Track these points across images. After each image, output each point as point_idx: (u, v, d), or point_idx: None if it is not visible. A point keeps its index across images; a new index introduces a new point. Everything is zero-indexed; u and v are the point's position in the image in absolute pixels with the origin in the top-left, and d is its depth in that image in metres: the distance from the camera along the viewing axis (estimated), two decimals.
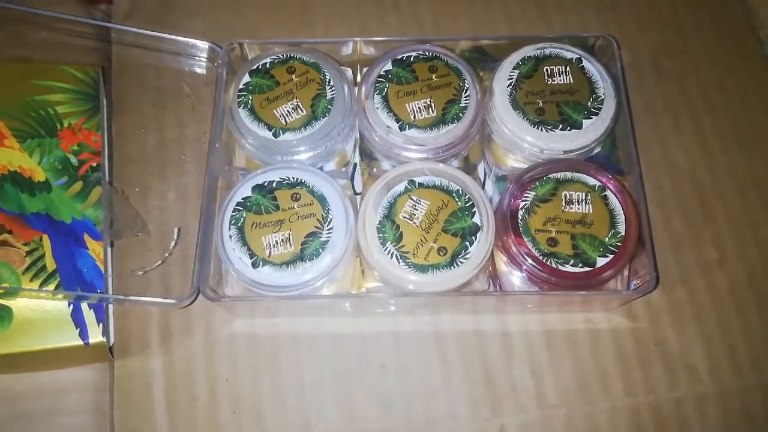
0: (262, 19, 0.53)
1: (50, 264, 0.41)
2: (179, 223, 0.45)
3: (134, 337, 0.43)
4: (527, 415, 0.41)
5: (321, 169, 0.44)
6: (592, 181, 0.40)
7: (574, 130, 0.41)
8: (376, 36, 0.49)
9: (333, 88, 0.43)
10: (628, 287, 0.41)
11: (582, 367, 0.42)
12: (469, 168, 0.46)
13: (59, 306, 0.40)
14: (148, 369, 0.42)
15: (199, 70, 0.50)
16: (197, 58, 0.50)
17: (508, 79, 0.43)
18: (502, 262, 0.41)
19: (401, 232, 0.39)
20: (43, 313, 0.40)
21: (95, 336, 0.40)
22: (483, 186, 0.46)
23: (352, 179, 0.47)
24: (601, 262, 0.38)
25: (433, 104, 0.42)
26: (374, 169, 0.46)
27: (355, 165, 0.47)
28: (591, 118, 0.42)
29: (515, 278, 0.41)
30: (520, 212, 0.40)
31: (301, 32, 0.53)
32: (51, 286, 0.40)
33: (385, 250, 0.39)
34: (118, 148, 0.48)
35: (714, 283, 0.44)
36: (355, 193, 0.47)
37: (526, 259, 0.39)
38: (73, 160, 0.44)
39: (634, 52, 0.51)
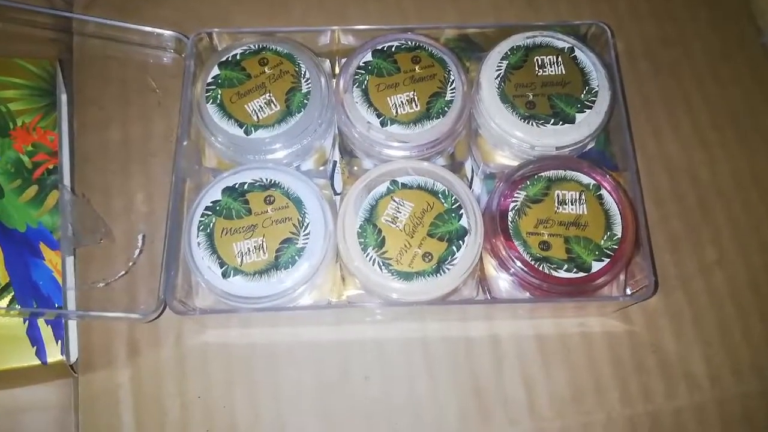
0: (235, 5, 0.50)
1: (2, 277, 0.37)
2: (146, 228, 0.42)
3: (99, 352, 0.40)
4: (519, 428, 0.39)
5: (298, 168, 0.41)
6: (586, 179, 0.38)
7: (566, 125, 0.39)
8: (356, 24, 0.46)
9: (309, 80, 0.40)
10: (624, 292, 0.39)
11: (576, 376, 0.40)
12: (455, 165, 0.43)
13: (13, 323, 0.37)
14: (114, 386, 0.39)
15: (165, 62, 0.47)
16: (163, 48, 0.47)
17: (496, 71, 0.40)
18: (491, 266, 0.39)
19: (383, 236, 0.36)
20: None
21: (54, 354, 0.37)
22: (470, 185, 0.44)
23: (331, 179, 0.44)
24: (596, 266, 0.36)
25: (416, 98, 0.40)
26: (355, 168, 0.43)
27: (335, 163, 0.44)
28: (584, 111, 0.39)
29: (505, 283, 0.39)
30: (510, 213, 0.37)
31: (276, 19, 0.49)
32: (4, 302, 0.37)
33: (367, 256, 0.36)
34: (79, 147, 0.44)
35: (713, 285, 0.42)
36: (335, 194, 0.44)
37: (516, 264, 0.36)
38: (27, 162, 0.40)
39: (628, 41, 0.49)
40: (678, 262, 0.42)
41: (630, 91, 0.47)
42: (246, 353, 0.40)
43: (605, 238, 0.36)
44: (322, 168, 0.43)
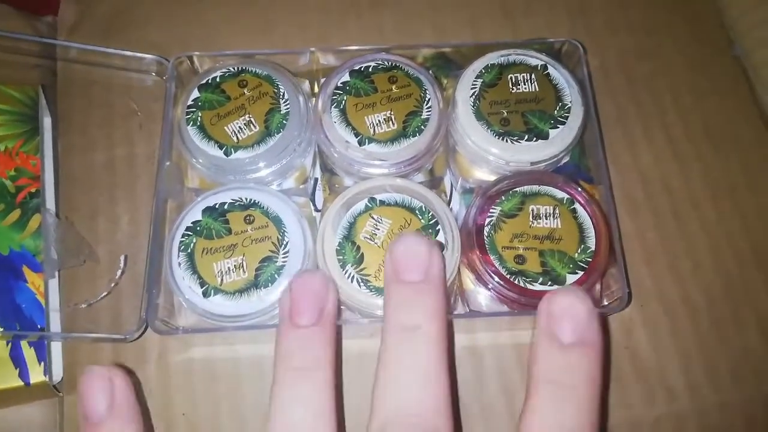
0: (219, 28, 0.51)
1: None
2: (131, 249, 0.43)
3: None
4: None
5: (279, 186, 0.42)
6: (559, 194, 0.38)
7: (540, 141, 0.40)
8: (336, 44, 0.46)
9: (288, 101, 0.41)
10: (600, 303, 0.39)
11: None
12: (434, 181, 0.44)
13: None
14: None
15: (149, 85, 0.48)
16: (146, 72, 0.48)
17: (471, 89, 0.41)
18: (469, 280, 0.40)
19: (362, 253, 0.37)
20: None
21: (36, 375, 0.37)
22: (450, 199, 0.44)
23: (313, 195, 0.45)
24: (570, 279, 0.36)
25: (393, 117, 0.40)
26: (336, 185, 0.44)
27: (316, 180, 0.45)
28: (558, 127, 0.40)
29: (483, 296, 0.39)
30: (486, 228, 0.38)
31: (260, 40, 0.50)
32: None
33: (345, 273, 0.37)
34: (65, 170, 0.45)
35: (690, 296, 0.42)
36: (316, 210, 0.45)
37: (493, 278, 0.37)
38: (10, 186, 0.41)
39: (604, 54, 0.50)
40: (653, 273, 0.43)
41: (604, 104, 0.48)
42: (230, 369, 0.40)
43: (579, 251, 0.37)
44: (302, 186, 0.44)
